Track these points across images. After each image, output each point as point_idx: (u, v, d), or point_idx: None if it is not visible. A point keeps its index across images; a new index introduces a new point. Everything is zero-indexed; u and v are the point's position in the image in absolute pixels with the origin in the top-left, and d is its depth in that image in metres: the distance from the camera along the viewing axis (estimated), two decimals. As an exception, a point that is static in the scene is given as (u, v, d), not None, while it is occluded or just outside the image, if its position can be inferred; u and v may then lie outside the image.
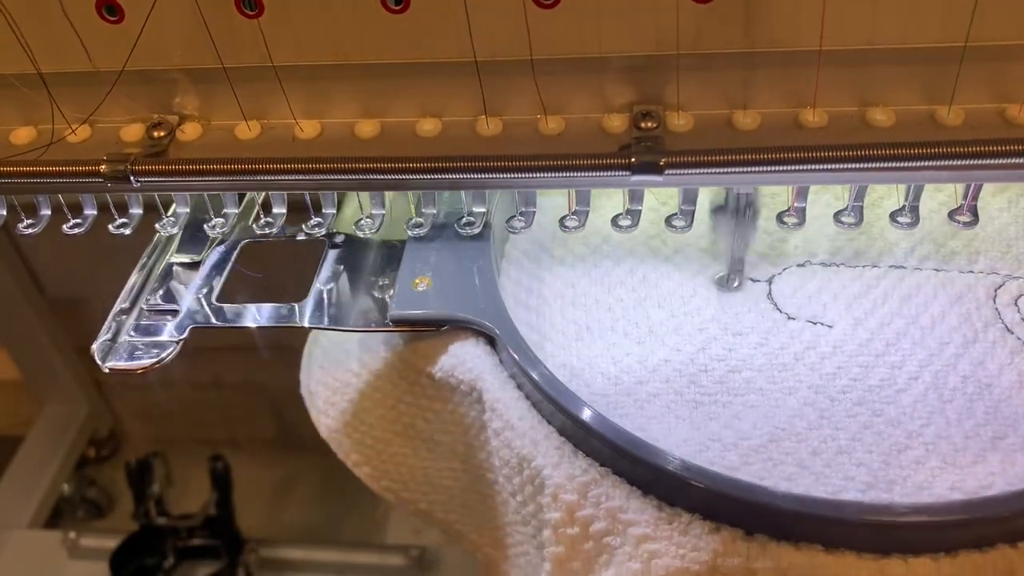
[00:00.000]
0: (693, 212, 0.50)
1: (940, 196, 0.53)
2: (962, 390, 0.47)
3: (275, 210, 0.52)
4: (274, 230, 0.52)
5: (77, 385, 1.38)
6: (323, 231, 0.52)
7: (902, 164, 0.41)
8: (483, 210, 0.52)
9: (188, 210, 0.53)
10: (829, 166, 0.41)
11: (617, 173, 0.43)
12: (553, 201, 0.54)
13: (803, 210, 0.48)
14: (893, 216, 0.48)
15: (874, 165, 0.41)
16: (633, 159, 0.42)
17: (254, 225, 0.53)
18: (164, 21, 0.44)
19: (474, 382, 0.48)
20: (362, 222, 0.52)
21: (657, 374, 0.49)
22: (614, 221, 0.50)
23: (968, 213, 0.47)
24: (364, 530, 1.25)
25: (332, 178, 0.45)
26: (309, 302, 0.52)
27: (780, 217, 0.49)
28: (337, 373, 0.56)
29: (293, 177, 0.44)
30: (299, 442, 1.28)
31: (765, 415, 0.47)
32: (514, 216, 0.52)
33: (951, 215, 0.48)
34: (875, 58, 0.42)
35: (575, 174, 0.43)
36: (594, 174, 0.43)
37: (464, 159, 0.43)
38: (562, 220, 0.50)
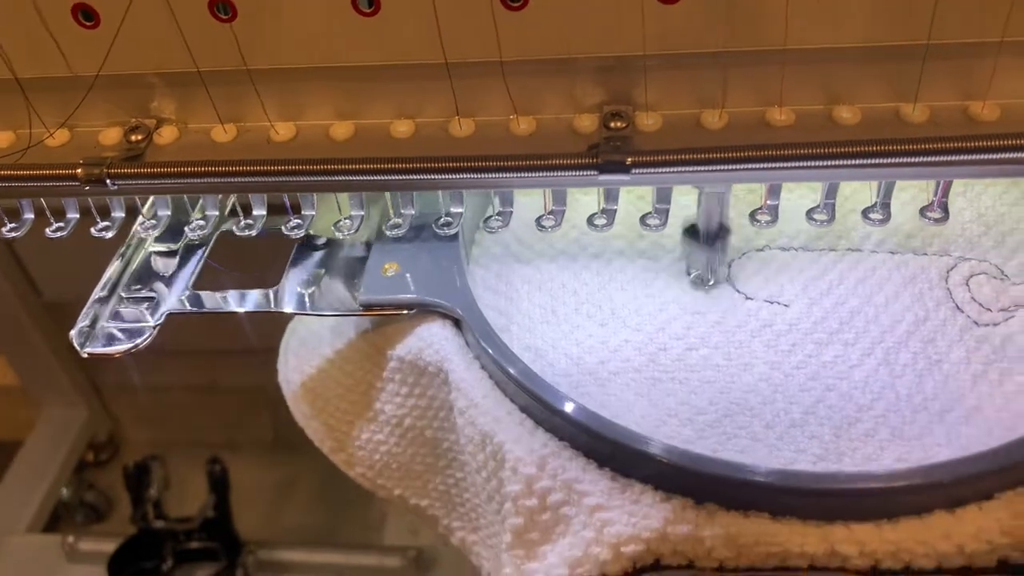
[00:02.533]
0: (668, 211, 0.51)
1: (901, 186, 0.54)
2: (912, 366, 0.48)
3: (255, 212, 0.53)
4: (254, 232, 0.53)
5: (75, 389, 1.40)
6: (302, 232, 0.53)
7: (862, 162, 0.42)
8: (460, 210, 0.54)
9: (169, 212, 0.55)
10: (791, 164, 0.42)
11: (585, 173, 0.44)
12: (526, 196, 0.55)
13: (775, 208, 0.50)
14: (865, 213, 0.49)
15: (834, 163, 0.42)
16: (600, 159, 0.43)
17: (234, 227, 0.54)
18: (139, 26, 0.45)
19: (441, 363, 0.50)
20: (341, 223, 0.54)
21: (618, 354, 0.50)
22: (590, 220, 0.51)
23: (939, 209, 0.49)
24: (361, 532, 1.26)
25: (304, 179, 0.46)
26: (281, 289, 0.53)
27: (753, 216, 0.50)
28: (312, 360, 0.58)
29: (265, 179, 0.46)
30: (297, 444, 1.28)
31: (721, 390, 0.48)
32: (491, 216, 0.53)
33: (922, 211, 0.49)
34: (840, 57, 0.43)
35: (543, 174, 0.44)
36: (562, 174, 0.44)
37: (433, 160, 0.44)
38: (539, 219, 0.52)
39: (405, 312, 0.51)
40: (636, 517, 0.42)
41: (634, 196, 0.56)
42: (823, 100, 0.46)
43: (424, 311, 0.51)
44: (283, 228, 0.53)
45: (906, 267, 0.53)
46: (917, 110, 0.45)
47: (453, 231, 0.53)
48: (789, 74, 0.44)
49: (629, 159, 0.43)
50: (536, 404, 0.46)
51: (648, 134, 0.46)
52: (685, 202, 0.52)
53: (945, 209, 0.49)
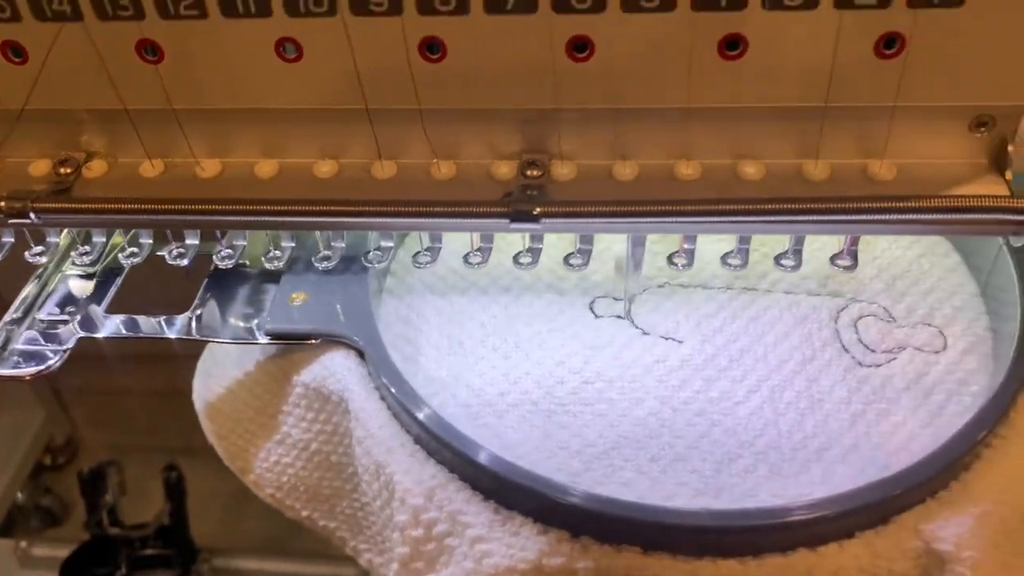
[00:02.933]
0: (590, 252, 0.53)
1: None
2: (795, 404, 0.50)
3: (188, 240, 0.55)
4: (185, 261, 0.54)
5: (32, 392, 1.40)
6: (232, 262, 0.55)
7: (759, 219, 0.44)
8: (390, 245, 0.55)
9: (105, 239, 0.56)
10: (689, 219, 0.44)
11: (497, 220, 0.46)
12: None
13: (692, 252, 0.52)
14: (777, 259, 0.51)
15: (730, 219, 0.44)
16: (510, 208, 0.45)
17: (166, 254, 0.55)
18: (68, 64, 0.46)
19: (342, 392, 0.51)
20: (271, 255, 0.55)
21: (517, 386, 0.52)
22: (515, 259, 0.53)
23: (848, 257, 0.51)
24: (316, 541, 1.26)
25: (221, 218, 0.47)
26: (190, 315, 0.55)
27: (670, 259, 0.52)
28: (223, 382, 0.59)
29: (184, 217, 0.47)
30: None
31: (611, 424, 0.50)
32: (419, 252, 0.55)
33: (832, 259, 0.51)
34: (743, 116, 0.45)
35: (457, 220, 0.46)
36: (475, 220, 0.46)
37: (348, 203, 0.46)
38: (466, 256, 0.54)
39: (311, 342, 0.52)
40: (514, 549, 0.44)
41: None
42: (730, 155, 0.47)
43: (329, 340, 0.53)
44: (214, 257, 0.55)
45: (798, 307, 0.55)
46: (819, 167, 0.46)
47: (383, 265, 0.55)
48: (695, 130, 0.46)
49: (537, 209, 0.45)
50: (426, 436, 0.47)
51: (562, 183, 0.48)
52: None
53: (854, 257, 0.51)
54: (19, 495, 1.35)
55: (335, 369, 0.52)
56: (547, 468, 0.48)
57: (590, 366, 0.52)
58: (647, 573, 0.43)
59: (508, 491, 0.45)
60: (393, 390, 0.49)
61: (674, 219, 0.43)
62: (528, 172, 0.47)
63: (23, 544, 1.21)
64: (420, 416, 0.47)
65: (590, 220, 0.44)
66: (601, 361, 0.53)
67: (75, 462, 1.44)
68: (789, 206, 0.42)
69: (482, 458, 0.45)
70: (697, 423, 0.50)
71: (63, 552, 1.16)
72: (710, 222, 0.44)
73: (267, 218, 0.47)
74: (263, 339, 0.53)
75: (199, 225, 0.52)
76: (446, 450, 0.47)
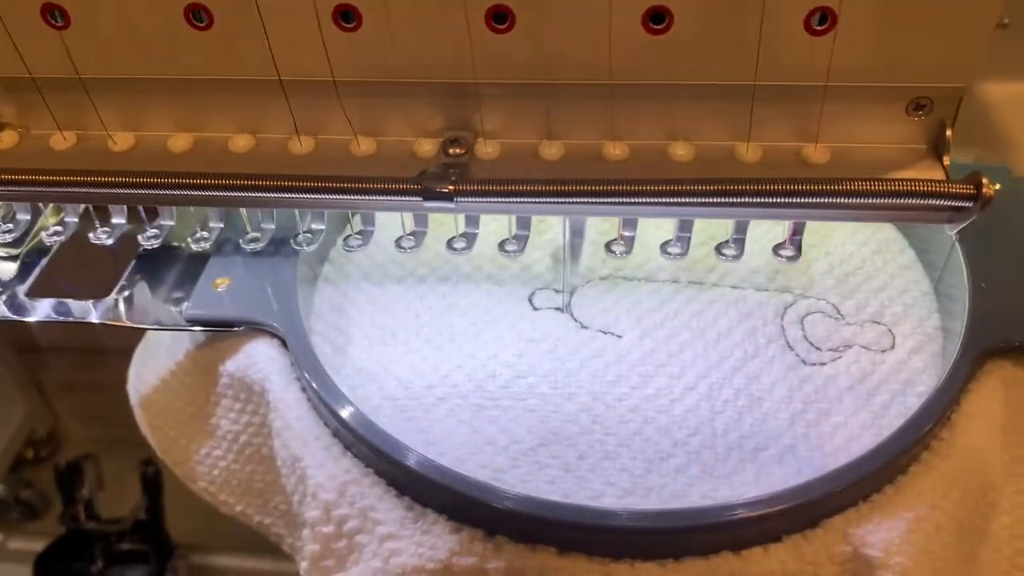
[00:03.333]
0: (527, 237, 0.51)
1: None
2: (733, 403, 0.48)
3: (114, 220, 0.53)
4: (110, 241, 0.53)
5: (14, 385, 1.39)
6: (158, 242, 0.53)
7: (681, 199, 0.42)
8: (321, 227, 0.53)
9: (28, 217, 0.55)
10: (608, 199, 0.42)
11: (410, 198, 0.44)
12: (387, 215, 0.55)
13: (631, 239, 0.50)
14: (719, 248, 0.49)
15: (643, 200, 0.42)
16: (423, 186, 0.43)
17: (91, 235, 0.53)
18: None
19: (263, 382, 0.49)
20: (198, 235, 0.53)
21: (448, 379, 0.50)
22: (449, 244, 0.51)
23: (791, 247, 0.49)
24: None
25: (125, 192, 0.45)
26: (113, 300, 0.53)
27: (608, 246, 0.50)
28: (157, 371, 0.57)
29: (74, 190, 0.45)
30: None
31: (541, 419, 0.48)
32: (351, 235, 0.53)
33: (775, 250, 0.49)
34: (673, 94, 0.43)
35: (369, 197, 0.44)
36: (387, 198, 0.44)
37: (251, 177, 0.44)
38: (398, 240, 0.52)
39: (233, 329, 0.51)
40: (424, 548, 0.42)
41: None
42: (663, 135, 0.45)
43: (253, 328, 0.51)
44: (139, 238, 0.53)
45: (744, 302, 0.52)
46: (751, 150, 0.44)
47: (312, 248, 0.53)
48: (623, 109, 0.44)
49: (449, 187, 0.43)
50: (342, 429, 0.45)
51: (486, 162, 0.46)
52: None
53: (798, 247, 0.49)
54: (-1, 488, 1.34)
55: (258, 358, 0.50)
56: (471, 465, 0.46)
57: (524, 360, 0.50)
58: (560, 574, 0.41)
59: (421, 487, 0.43)
60: (311, 381, 0.47)
61: (595, 199, 0.41)
62: (450, 150, 0.45)
63: (-1, 537, 1.19)
64: (336, 408, 0.45)
65: (506, 199, 0.42)
66: (536, 355, 0.51)
67: (57, 456, 1.44)
68: (705, 187, 0.40)
69: (395, 453, 0.43)
70: (630, 420, 0.48)
71: (40, 546, 1.15)
72: (632, 203, 0.41)
73: (155, 191, 0.45)
74: (184, 325, 0.51)
75: (109, 199, 0.50)
76: (360, 444, 0.45)
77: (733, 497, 0.44)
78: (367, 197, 0.44)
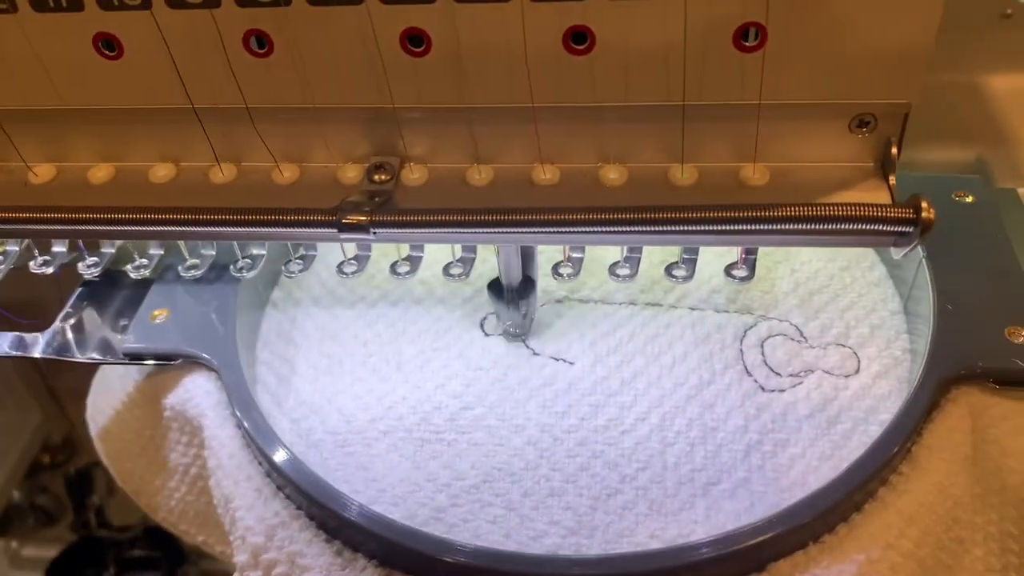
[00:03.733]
0: (473, 260, 0.50)
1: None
2: (686, 434, 0.46)
3: (54, 249, 0.52)
4: (51, 269, 0.52)
5: (28, 392, 1.39)
6: (99, 271, 0.52)
7: (589, 229, 0.39)
8: (263, 252, 0.52)
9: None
10: (527, 230, 0.40)
11: (326, 229, 0.42)
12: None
13: (580, 260, 0.48)
14: (669, 269, 0.47)
15: (567, 230, 0.40)
16: (337, 217, 0.41)
17: (31, 264, 0.52)
18: None
19: (200, 418, 0.48)
20: (137, 263, 0.52)
21: (392, 411, 0.48)
22: (392, 268, 0.49)
23: (744, 267, 0.46)
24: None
25: (39, 227, 0.44)
26: (52, 332, 0.52)
27: (556, 268, 0.48)
28: (110, 401, 0.56)
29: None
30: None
31: (486, 454, 0.46)
32: (291, 259, 0.52)
33: (727, 270, 0.46)
34: (601, 116, 0.41)
35: (285, 229, 0.42)
36: (304, 230, 0.42)
37: (165, 211, 0.43)
38: (340, 265, 0.50)
39: (172, 362, 0.49)
40: (351, 596, 0.41)
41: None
42: (595, 158, 0.43)
43: (192, 361, 0.49)
44: (79, 266, 0.52)
45: (703, 325, 0.50)
46: (685, 172, 0.42)
47: (252, 274, 0.52)
48: (552, 132, 0.42)
49: (366, 219, 0.41)
50: (272, 470, 0.44)
51: (412, 188, 0.44)
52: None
53: (752, 267, 0.46)
54: (15, 494, 1.34)
55: (195, 392, 0.49)
56: (411, 503, 0.44)
57: (471, 390, 0.49)
58: (494, 624, 0.39)
59: (351, 532, 0.42)
60: (242, 419, 0.45)
61: (517, 229, 0.39)
62: (375, 176, 0.43)
63: (14, 544, 1.20)
64: (266, 449, 0.44)
65: (426, 230, 0.40)
66: (484, 384, 0.49)
67: (72, 461, 1.44)
68: (632, 215, 0.38)
69: (324, 497, 0.42)
70: (578, 454, 0.46)
71: (54, 553, 1.16)
72: (556, 232, 0.39)
73: (68, 226, 0.43)
74: (122, 359, 0.50)
75: (28, 235, 0.48)
76: (290, 486, 0.43)
77: (680, 536, 0.42)
78: (283, 229, 0.42)
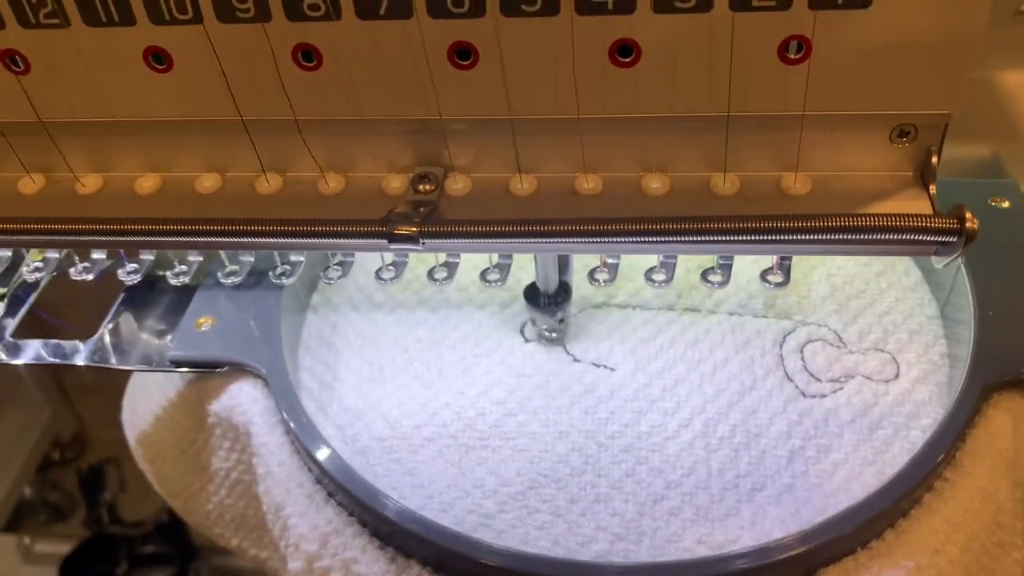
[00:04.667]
0: (509, 266, 0.50)
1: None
2: (729, 440, 0.46)
3: (94, 255, 0.53)
4: (91, 276, 0.52)
5: (37, 388, 1.40)
6: (139, 277, 0.52)
7: (634, 240, 0.40)
8: (301, 259, 0.52)
9: (9, 254, 0.54)
10: (571, 240, 0.41)
11: (374, 240, 0.42)
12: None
13: (615, 267, 0.48)
14: (704, 275, 0.47)
15: (610, 240, 0.40)
16: (387, 228, 0.42)
17: (71, 271, 0.53)
18: None
19: (247, 425, 0.48)
20: (177, 270, 0.53)
21: (436, 418, 0.48)
22: (430, 274, 0.50)
23: (780, 272, 0.47)
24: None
25: (93, 238, 0.45)
26: (97, 340, 0.52)
27: (592, 274, 0.48)
28: (149, 406, 0.57)
29: (37, 237, 0.45)
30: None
31: (532, 460, 0.46)
32: (330, 266, 0.52)
33: (763, 275, 0.47)
34: (645, 127, 0.41)
35: (333, 240, 0.43)
36: (351, 240, 0.43)
37: (212, 222, 0.43)
38: (377, 272, 0.51)
39: (217, 370, 0.50)
40: (406, 602, 0.41)
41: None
42: (637, 168, 0.44)
43: (238, 368, 0.50)
44: (119, 273, 0.52)
45: (742, 330, 0.51)
46: (727, 181, 0.42)
47: (290, 281, 0.52)
48: (595, 142, 0.42)
49: (414, 229, 0.42)
50: (324, 477, 0.44)
51: (456, 198, 0.44)
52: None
53: (787, 273, 0.47)
54: (26, 491, 1.35)
55: (242, 399, 0.49)
56: (459, 510, 0.45)
57: (515, 396, 0.49)
58: (547, 629, 0.40)
59: (404, 539, 0.42)
60: (292, 425, 0.46)
61: (562, 239, 0.40)
62: (420, 187, 0.44)
63: (26, 540, 1.20)
64: (316, 455, 0.44)
65: (473, 240, 0.41)
66: (527, 390, 0.49)
67: (82, 458, 1.45)
68: (675, 226, 0.38)
69: (376, 504, 0.42)
70: (623, 460, 0.46)
71: (66, 548, 1.16)
72: (600, 243, 0.40)
73: (115, 238, 0.44)
74: (168, 367, 0.50)
75: (57, 244, 0.49)
76: (342, 493, 0.44)
77: (727, 542, 0.43)
78: (332, 240, 0.42)
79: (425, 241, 0.42)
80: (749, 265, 0.51)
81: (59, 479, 1.39)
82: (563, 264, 0.49)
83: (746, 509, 0.44)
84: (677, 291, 0.53)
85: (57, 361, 0.52)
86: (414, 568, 0.42)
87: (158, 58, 0.42)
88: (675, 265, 0.48)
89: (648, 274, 0.47)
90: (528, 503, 0.45)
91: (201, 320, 0.51)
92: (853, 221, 0.37)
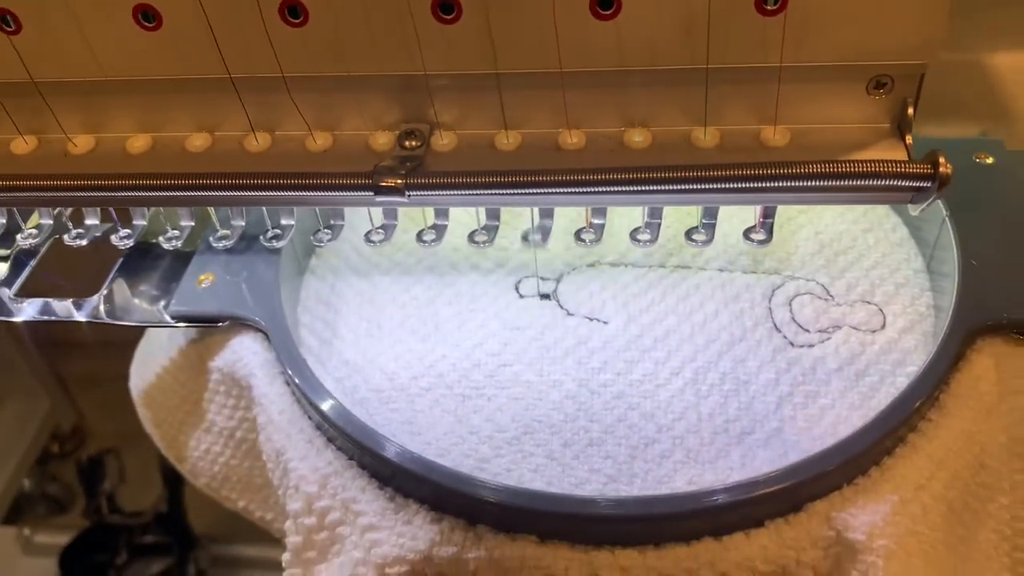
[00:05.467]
0: (497, 227, 0.51)
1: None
2: (719, 387, 0.47)
3: (87, 221, 0.54)
4: (84, 242, 0.53)
5: (36, 380, 1.40)
6: (131, 242, 0.53)
7: (617, 189, 0.41)
8: (291, 223, 0.53)
9: (4, 221, 0.55)
10: (556, 190, 0.42)
11: (361, 193, 0.43)
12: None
13: (601, 227, 0.49)
14: (688, 234, 0.48)
15: (595, 190, 0.41)
16: (373, 180, 0.43)
17: (65, 236, 0.54)
18: None
19: (249, 378, 0.49)
20: (169, 234, 0.54)
21: (433, 369, 0.50)
22: (419, 236, 0.51)
23: (762, 231, 0.48)
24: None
25: (75, 194, 0.46)
26: (98, 298, 0.53)
27: (578, 234, 0.49)
28: (154, 368, 0.58)
29: (26, 194, 0.46)
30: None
31: (526, 408, 0.47)
32: (320, 229, 0.53)
33: (746, 234, 0.48)
34: (626, 81, 0.43)
35: (320, 193, 0.44)
36: (339, 194, 0.44)
37: (201, 176, 0.44)
38: (367, 234, 0.52)
39: (218, 324, 0.51)
40: (404, 538, 0.42)
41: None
42: (619, 123, 0.45)
43: (239, 323, 0.51)
44: (112, 238, 0.53)
45: (732, 285, 0.52)
46: (708, 134, 0.44)
47: (281, 244, 0.53)
48: (577, 97, 0.44)
49: (400, 181, 0.43)
50: (324, 422, 0.45)
51: (442, 154, 0.46)
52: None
53: (770, 231, 0.48)
54: (25, 483, 1.35)
55: (243, 353, 0.50)
56: (455, 454, 0.46)
57: (509, 348, 0.50)
58: (542, 563, 0.41)
59: (403, 479, 0.43)
60: (292, 375, 0.47)
61: (546, 190, 0.41)
62: (406, 143, 0.45)
63: (26, 531, 1.21)
64: (317, 402, 0.45)
65: (458, 192, 0.42)
66: (521, 343, 0.50)
67: (81, 450, 1.45)
68: (655, 175, 0.40)
69: (375, 445, 0.43)
70: (615, 406, 0.47)
71: (65, 539, 1.17)
72: (585, 192, 0.41)
73: (106, 193, 0.45)
74: (170, 321, 0.51)
75: (45, 202, 0.50)
76: (342, 437, 0.45)
77: (718, 482, 0.44)
78: (318, 193, 0.44)
79: (411, 193, 0.43)
80: (738, 225, 0.52)
81: (58, 471, 1.39)
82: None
83: (735, 452, 0.45)
84: (668, 250, 0.54)
85: (58, 318, 0.52)
86: (412, 507, 0.43)
87: (147, 16, 0.43)
88: (660, 225, 0.49)
89: (633, 234, 0.49)
90: (523, 447, 0.46)
91: (202, 277, 0.52)
92: (829, 167, 0.39)
